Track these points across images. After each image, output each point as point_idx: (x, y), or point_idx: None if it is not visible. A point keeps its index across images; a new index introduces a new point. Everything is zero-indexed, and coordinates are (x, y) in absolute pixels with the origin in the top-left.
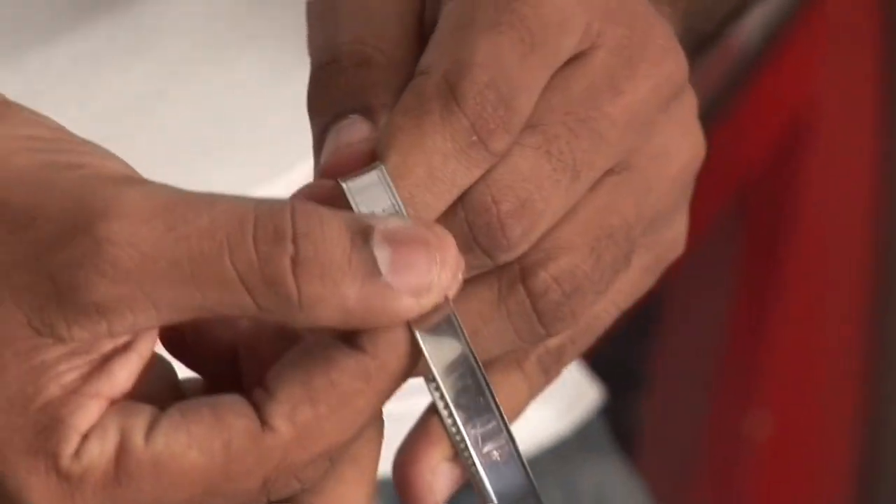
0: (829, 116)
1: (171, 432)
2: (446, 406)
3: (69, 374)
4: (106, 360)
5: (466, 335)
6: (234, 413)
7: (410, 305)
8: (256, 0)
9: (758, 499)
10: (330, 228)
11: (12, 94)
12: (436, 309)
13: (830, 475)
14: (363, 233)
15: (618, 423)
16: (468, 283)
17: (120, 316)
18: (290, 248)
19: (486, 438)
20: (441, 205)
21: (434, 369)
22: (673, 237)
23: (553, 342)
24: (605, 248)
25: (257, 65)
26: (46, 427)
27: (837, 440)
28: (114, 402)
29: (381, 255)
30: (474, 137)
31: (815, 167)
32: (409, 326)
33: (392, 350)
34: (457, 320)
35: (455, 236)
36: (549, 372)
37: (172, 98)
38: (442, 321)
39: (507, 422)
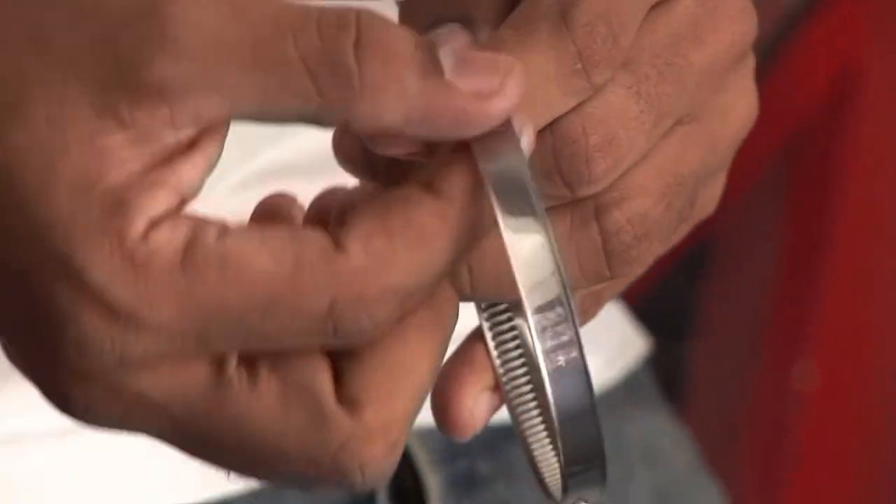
0: (878, 68)
1: (245, 235)
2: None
3: (132, 161)
4: (171, 155)
5: (554, 240)
6: (310, 231)
7: (474, 107)
8: None
9: (805, 450)
10: (395, 29)
11: None
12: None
13: (878, 429)
14: (429, 41)
15: (665, 374)
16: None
17: (182, 100)
18: (353, 33)
19: (556, 349)
20: (535, 125)
21: (514, 264)
22: (712, 195)
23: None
24: (674, 195)
25: None
26: (112, 207)
27: (886, 394)
28: (184, 199)
29: (446, 60)
30: (578, 65)
31: (865, 117)
32: (485, 180)
33: (467, 193)
34: (548, 230)
35: (539, 162)
36: (587, 312)
37: None
38: (528, 221)
39: (581, 337)
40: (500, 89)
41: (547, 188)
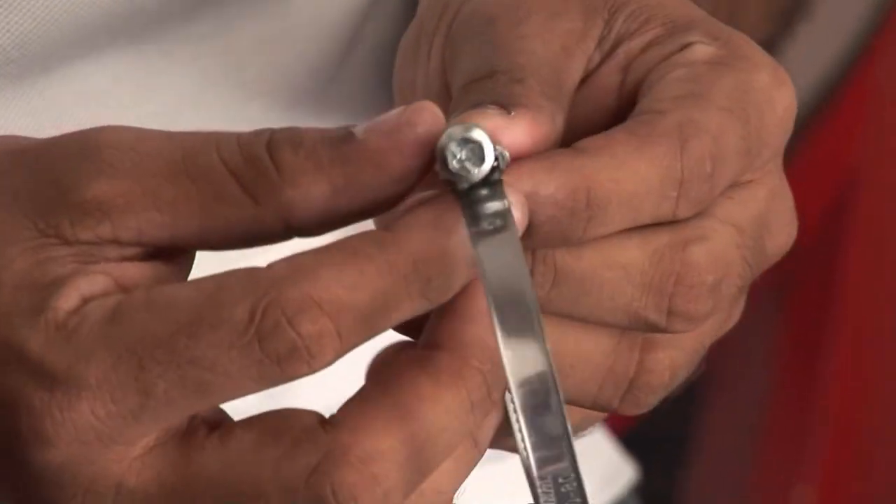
0: (876, 182)
1: (175, 282)
2: (518, 420)
3: (75, 262)
4: (119, 259)
5: (549, 350)
6: (239, 269)
7: (386, 144)
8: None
9: None
10: (307, 128)
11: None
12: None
13: None
14: (340, 127)
15: (656, 502)
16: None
17: (122, 215)
18: (266, 135)
19: (549, 461)
20: (616, 227)
21: (509, 377)
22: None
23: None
24: (696, 355)
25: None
26: (50, 290)
27: None
28: (125, 289)
29: (358, 129)
30: (674, 193)
31: (863, 233)
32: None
33: (413, 225)
34: (544, 344)
35: (654, 281)
36: (638, 405)
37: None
38: (522, 317)
39: (577, 461)
40: (407, 120)
41: (649, 310)
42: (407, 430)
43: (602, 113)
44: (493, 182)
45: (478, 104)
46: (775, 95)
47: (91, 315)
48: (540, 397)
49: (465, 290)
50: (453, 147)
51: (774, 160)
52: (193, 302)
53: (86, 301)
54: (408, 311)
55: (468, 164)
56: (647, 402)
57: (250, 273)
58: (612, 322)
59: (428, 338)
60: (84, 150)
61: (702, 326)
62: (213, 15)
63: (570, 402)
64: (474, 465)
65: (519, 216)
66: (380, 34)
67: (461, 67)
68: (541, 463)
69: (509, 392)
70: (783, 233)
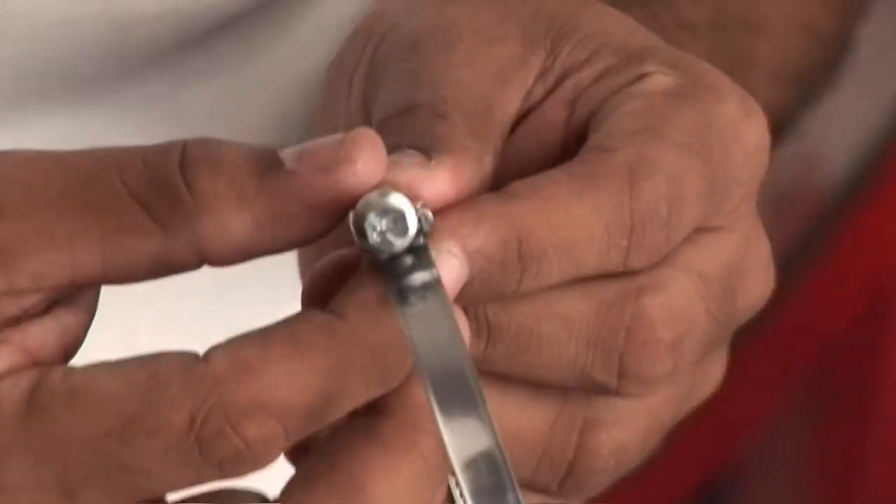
0: None
1: (94, 367)
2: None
3: None
4: (16, 319)
5: (495, 425)
6: (170, 353)
7: (320, 181)
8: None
9: None
10: (226, 144)
11: None
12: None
13: None
14: (265, 147)
15: None
16: (525, 394)
17: (14, 260)
18: (177, 155)
19: None
20: (556, 279)
21: (453, 460)
22: (716, 371)
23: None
24: (648, 444)
25: None
26: None
27: None
28: (36, 359)
29: (286, 154)
30: (625, 242)
31: None
32: (397, 307)
33: (363, 310)
34: (489, 420)
35: (601, 336)
36: (580, 489)
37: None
38: (462, 394)
39: None
40: (344, 156)
41: (596, 369)
42: None
43: (546, 152)
44: (417, 248)
45: (395, 147)
46: (743, 128)
47: (3, 404)
48: (489, 478)
49: None
50: (372, 218)
51: (747, 202)
52: (123, 401)
53: None
54: (361, 400)
55: (389, 236)
56: (590, 487)
57: (187, 369)
58: (556, 381)
59: (374, 402)
60: None
61: (657, 394)
62: (165, 76)
63: None
64: None
65: (456, 274)
66: None
67: (380, 100)
68: None
69: (453, 475)
70: (759, 284)
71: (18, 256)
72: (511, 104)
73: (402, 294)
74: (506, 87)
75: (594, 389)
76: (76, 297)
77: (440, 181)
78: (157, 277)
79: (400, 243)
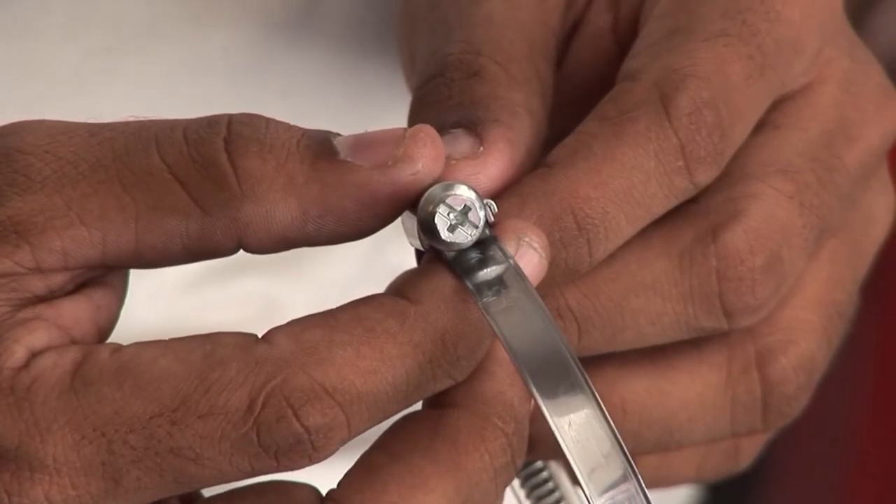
0: None
1: (145, 343)
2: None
3: None
4: (48, 295)
5: (613, 424)
6: (227, 333)
7: (377, 179)
8: None
9: None
10: (275, 123)
11: None
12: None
13: None
14: (319, 131)
15: None
16: (688, 358)
17: (42, 235)
18: (223, 131)
19: None
20: (631, 230)
21: (566, 448)
22: (879, 205)
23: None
24: (833, 329)
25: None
26: None
27: None
28: (72, 337)
29: (342, 144)
30: (681, 162)
31: None
32: (472, 294)
33: (437, 295)
34: (596, 397)
35: (694, 286)
36: (784, 415)
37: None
38: (566, 381)
39: None
40: (404, 155)
41: (701, 319)
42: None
43: (602, 60)
44: (484, 240)
45: (440, 127)
46: None
47: (46, 378)
48: (608, 468)
49: None
50: (441, 214)
51: (831, 46)
52: (177, 381)
53: (33, 354)
54: (429, 393)
55: (462, 231)
56: (795, 406)
57: (248, 349)
58: (668, 341)
59: (439, 395)
60: None
61: (811, 279)
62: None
63: (709, 444)
64: None
65: (537, 265)
66: None
67: (419, 56)
68: None
69: (562, 462)
70: (874, 123)
71: (46, 232)
72: (552, 18)
73: (479, 287)
74: (541, 4)
75: (710, 333)
76: (106, 277)
77: (493, 169)
78: (190, 262)
79: (471, 236)
